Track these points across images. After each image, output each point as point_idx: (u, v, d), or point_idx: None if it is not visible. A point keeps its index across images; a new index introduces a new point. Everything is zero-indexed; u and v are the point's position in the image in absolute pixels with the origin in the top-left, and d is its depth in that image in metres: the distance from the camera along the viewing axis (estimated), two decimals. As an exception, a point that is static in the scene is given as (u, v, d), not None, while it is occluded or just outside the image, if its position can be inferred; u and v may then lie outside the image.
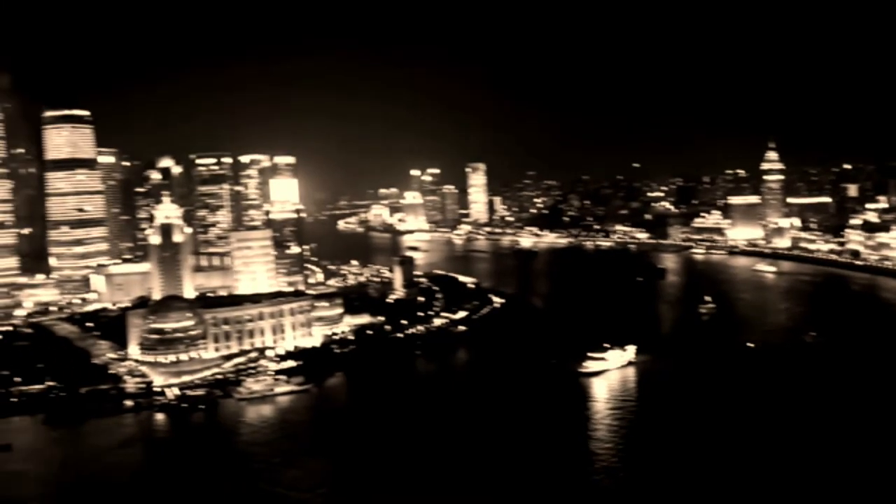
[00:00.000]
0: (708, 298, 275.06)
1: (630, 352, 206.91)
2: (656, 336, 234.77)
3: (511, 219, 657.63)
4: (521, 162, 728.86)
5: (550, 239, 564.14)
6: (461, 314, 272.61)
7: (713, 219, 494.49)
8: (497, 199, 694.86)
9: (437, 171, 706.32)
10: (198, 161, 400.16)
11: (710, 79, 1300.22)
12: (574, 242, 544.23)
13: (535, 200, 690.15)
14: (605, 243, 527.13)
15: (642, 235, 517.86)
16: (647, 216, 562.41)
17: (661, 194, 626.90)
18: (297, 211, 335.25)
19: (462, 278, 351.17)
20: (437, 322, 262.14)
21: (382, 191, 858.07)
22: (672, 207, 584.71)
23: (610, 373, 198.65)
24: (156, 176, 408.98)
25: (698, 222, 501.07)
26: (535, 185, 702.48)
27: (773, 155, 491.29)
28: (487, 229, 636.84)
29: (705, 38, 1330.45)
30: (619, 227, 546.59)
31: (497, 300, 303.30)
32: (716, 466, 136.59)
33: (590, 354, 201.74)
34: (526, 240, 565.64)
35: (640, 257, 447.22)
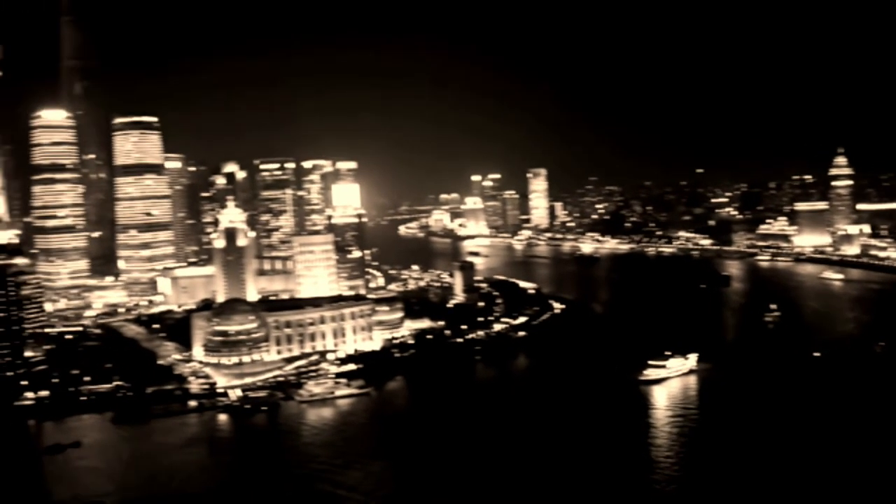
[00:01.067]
0: (773, 306, 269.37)
1: (692, 360, 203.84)
2: (719, 344, 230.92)
3: (572, 224, 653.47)
4: (582, 167, 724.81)
5: (612, 245, 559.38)
6: (521, 320, 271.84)
7: (779, 225, 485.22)
8: (558, 205, 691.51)
9: (498, 176, 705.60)
10: (261, 166, 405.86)
11: (778, 83, 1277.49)
12: (636, 248, 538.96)
13: (597, 206, 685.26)
14: (667, 250, 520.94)
15: (705, 242, 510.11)
16: (711, 222, 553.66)
17: (725, 200, 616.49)
18: (359, 216, 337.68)
19: (522, 284, 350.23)
20: (497, 327, 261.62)
21: (443, 196, 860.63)
22: (736, 213, 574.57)
23: (671, 381, 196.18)
24: (221, 181, 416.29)
25: (763, 229, 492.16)
26: (597, 191, 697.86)
27: (841, 160, 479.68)
28: (548, 235, 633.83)
29: (774, 42, 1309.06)
30: (681, 234, 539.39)
31: (557, 306, 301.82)
32: (778, 478, 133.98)
33: (650, 362, 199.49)
34: (587, 245, 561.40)
35: (703, 264, 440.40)
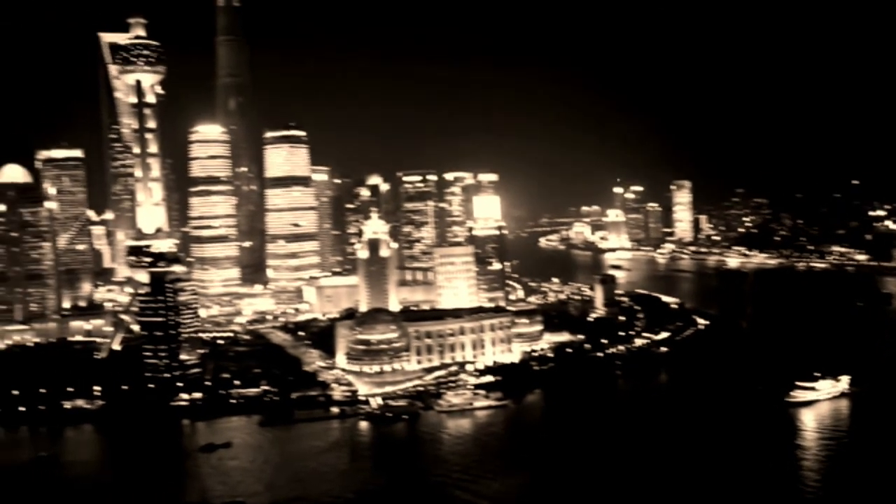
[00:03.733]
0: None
1: (843, 382, 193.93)
2: (876, 367, 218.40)
3: (717, 238, 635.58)
4: (728, 179, 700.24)
5: (759, 259, 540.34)
6: (663, 335, 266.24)
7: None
8: (703, 218, 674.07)
9: (640, 188, 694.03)
10: (404, 178, 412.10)
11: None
12: (785, 263, 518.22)
13: (744, 219, 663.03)
14: (819, 265, 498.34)
15: (862, 257, 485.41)
16: (868, 236, 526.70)
17: (885, 213, 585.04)
18: (500, 227, 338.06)
19: (665, 298, 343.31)
20: (639, 342, 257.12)
21: (584, 208, 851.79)
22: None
23: (820, 404, 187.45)
24: (365, 193, 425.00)
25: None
26: (744, 203, 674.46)
27: None
28: (692, 248, 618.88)
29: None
30: (835, 248, 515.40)
31: (701, 322, 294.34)
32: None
33: (799, 383, 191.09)
34: (733, 260, 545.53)
35: (859, 281, 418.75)
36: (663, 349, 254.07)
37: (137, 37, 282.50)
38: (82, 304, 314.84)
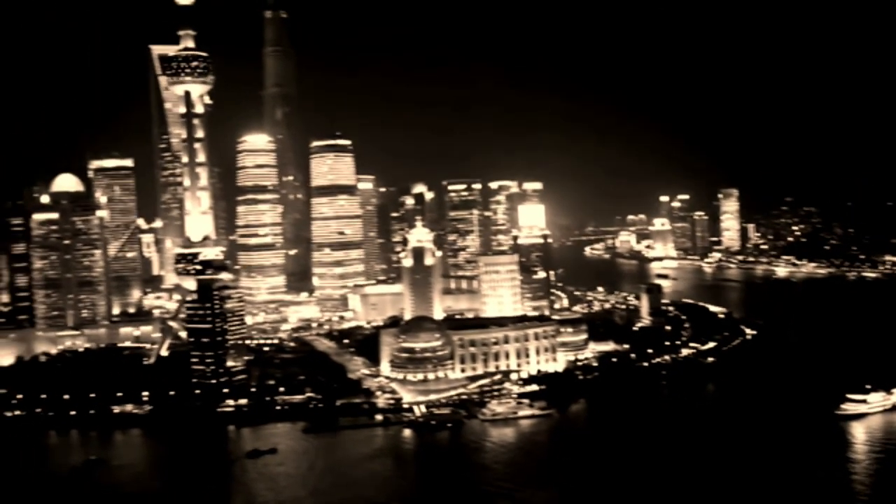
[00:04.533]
0: None
1: None
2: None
3: (766, 247, 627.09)
4: (777, 187, 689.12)
5: (809, 269, 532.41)
6: (710, 345, 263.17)
7: None
8: (750, 226, 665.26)
9: (686, 196, 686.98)
10: (449, 187, 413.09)
11: None
12: (835, 273, 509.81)
13: (793, 227, 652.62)
14: (870, 274, 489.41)
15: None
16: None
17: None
18: (544, 236, 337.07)
19: (712, 308, 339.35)
20: (685, 352, 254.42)
21: (630, 217, 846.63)
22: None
23: (872, 417, 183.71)
24: (410, 201, 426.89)
25: None
26: (793, 212, 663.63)
27: None
28: (740, 257, 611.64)
29: None
30: (887, 258, 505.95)
31: (749, 332, 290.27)
32: None
33: (850, 396, 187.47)
34: (782, 269, 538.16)
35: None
36: (710, 359, 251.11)
37: (187, 48, 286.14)
38: (131, 310, 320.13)
